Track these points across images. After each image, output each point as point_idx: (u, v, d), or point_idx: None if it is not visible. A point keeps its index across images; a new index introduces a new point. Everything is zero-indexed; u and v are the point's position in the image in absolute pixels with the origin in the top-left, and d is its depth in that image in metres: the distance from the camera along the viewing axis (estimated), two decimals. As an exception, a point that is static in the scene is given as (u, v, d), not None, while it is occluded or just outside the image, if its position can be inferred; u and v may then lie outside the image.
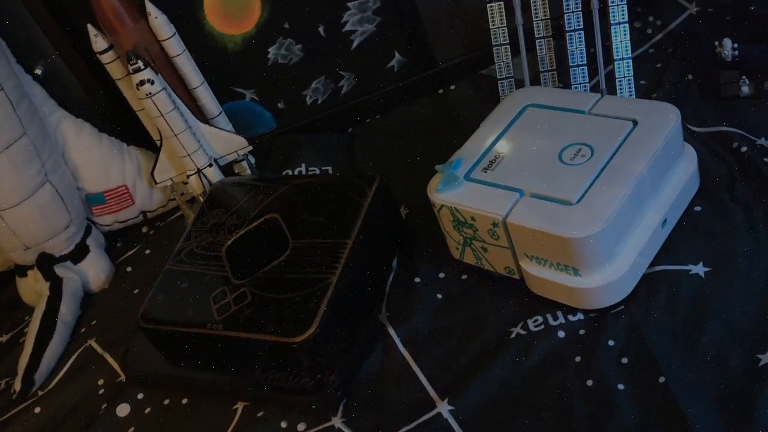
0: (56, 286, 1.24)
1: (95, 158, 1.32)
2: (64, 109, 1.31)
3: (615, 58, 1.19)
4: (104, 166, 1.32)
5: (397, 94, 1.43)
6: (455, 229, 1.02)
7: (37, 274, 1.26)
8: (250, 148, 1.29)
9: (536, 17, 1.24)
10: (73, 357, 1.19)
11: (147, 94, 1.16)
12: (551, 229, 0.91)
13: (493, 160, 1.03)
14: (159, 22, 1.18)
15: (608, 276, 0.93)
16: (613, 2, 1.17)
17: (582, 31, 1.21)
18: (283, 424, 0.98)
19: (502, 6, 1.24)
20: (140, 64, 1.15)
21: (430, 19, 1.39)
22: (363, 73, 1.42)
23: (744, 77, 1.17)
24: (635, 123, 1.00)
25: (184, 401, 1.05)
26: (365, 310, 1.04)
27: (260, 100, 1.42)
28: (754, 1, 1.23)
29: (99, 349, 1.18)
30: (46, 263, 1.25)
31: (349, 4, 1.35)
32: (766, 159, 1.07)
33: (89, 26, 1.18)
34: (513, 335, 0.97)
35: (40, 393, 1.15)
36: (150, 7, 1.18)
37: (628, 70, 1.20)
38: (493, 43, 1.27)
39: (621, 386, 0.88)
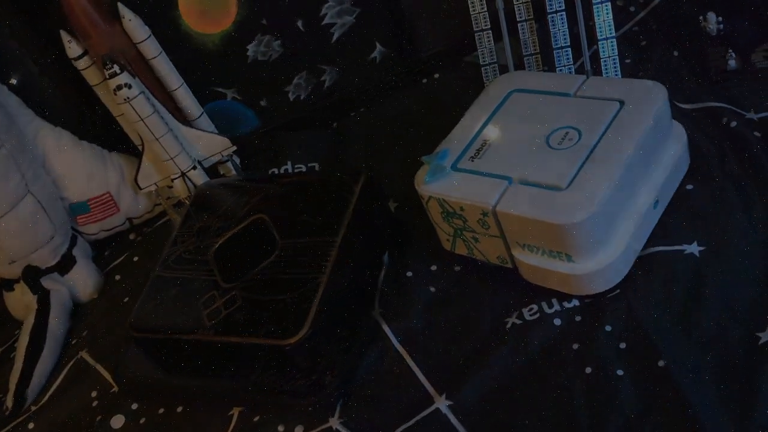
0: (44, 298, 1.22)
1: (77, 167, 1.29)
2: (42, 118, 1.28)
3: (599, 38, 1.18)
4: (86, 174, 1.30)
5: (380, 86, 1.41)
6: (445, 221, 1.01)
7: (24, 288, 1.24)
8: (234, 148, 1.27)
9: (517, 0, 1.22)
10: (65, 370, 1.17)
11: (125, 99, 1.14)
12: (542, 215, 0.90)
13: (480, 148, 1.01)
14: (133, 24, 1.16)
15: (602, 260, 0.92)
16: (594, -19, 1.16)
17: (564, 12, 1.20)
18: (281, 428, 0.96)
19: (482, -10, 1.23)
20: (116, 68, 1.12)
21: (411, 8, 1.37)
22: (345, 66, 1.40)
23: (731, 51, 1.16)
24: (622, 103, 0.98)
25: (179, 409, 1.04)
26: (358, 308, 1.02)
27: (242, 98, 1.40)
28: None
29: (91, 361, 1.16)
30: (32, 276, 1.23)
31: (327, -3, 1.33)
32: (756, 133, 1.05)
33: (62, 32, 1.16)
34: (509, 325, 0.96)
35: (33, 408, 1.13)
36: (123, 10, 1.16)
37: (613, 49, 1.18)
38: (475, 29, 1.25)
39: (620, 372, 0.87)
